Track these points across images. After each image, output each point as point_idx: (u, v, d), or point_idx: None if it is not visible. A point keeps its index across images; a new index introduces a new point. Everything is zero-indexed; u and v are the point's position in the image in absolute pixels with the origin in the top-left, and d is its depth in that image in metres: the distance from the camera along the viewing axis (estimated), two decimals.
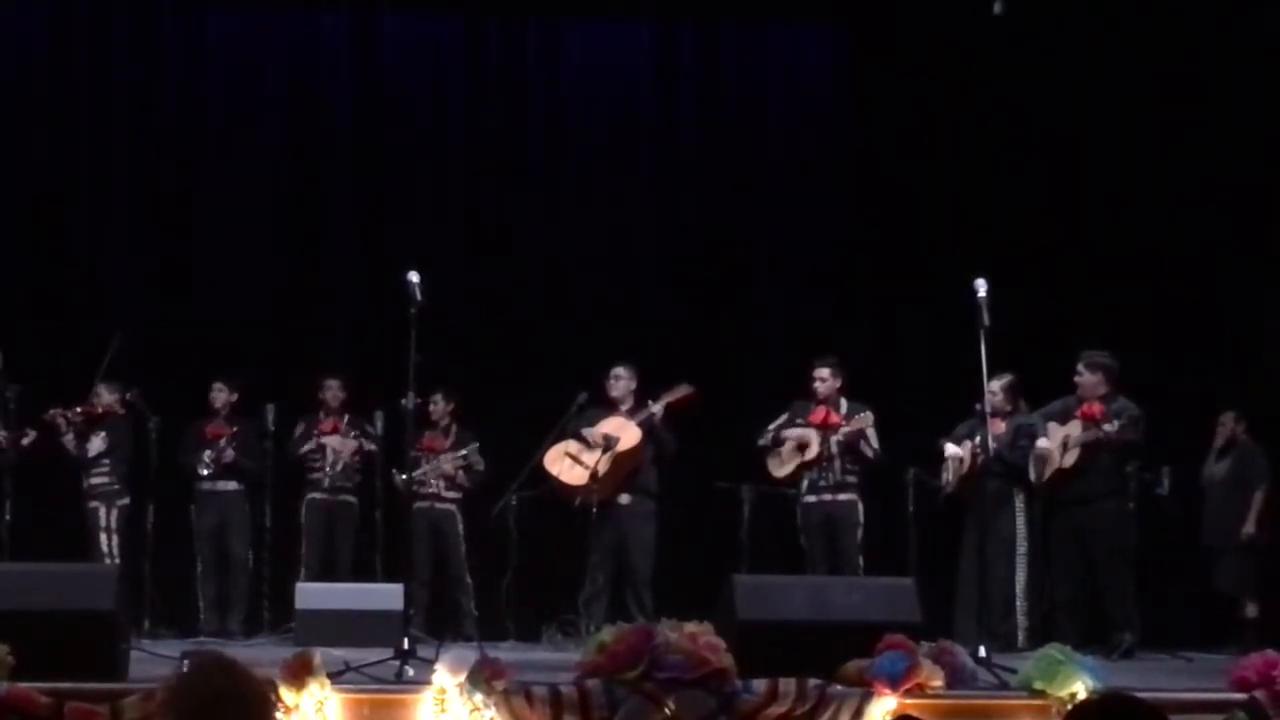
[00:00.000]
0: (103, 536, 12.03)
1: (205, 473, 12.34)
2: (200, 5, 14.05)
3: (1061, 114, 13.53)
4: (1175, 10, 13.22)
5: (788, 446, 11.70)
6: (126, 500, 12.12)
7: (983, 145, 13.52)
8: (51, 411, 12.01)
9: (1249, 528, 12.19)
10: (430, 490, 12.32)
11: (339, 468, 12.39)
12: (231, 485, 12.43)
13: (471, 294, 13.25)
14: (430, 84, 14.24)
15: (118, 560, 11.70)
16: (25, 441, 11.85)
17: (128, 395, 12.13)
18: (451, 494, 12.37)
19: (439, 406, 12.38)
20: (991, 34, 13.52)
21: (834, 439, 11.55)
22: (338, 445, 12.42)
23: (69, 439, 12.09)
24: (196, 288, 13.47)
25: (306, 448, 12.44)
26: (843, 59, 14.40)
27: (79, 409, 12.08)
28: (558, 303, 13.74)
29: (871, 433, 11.55)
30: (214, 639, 11.52)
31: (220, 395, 12.49)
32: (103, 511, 12.09)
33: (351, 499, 12.44)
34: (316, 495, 12.46)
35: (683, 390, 11.65)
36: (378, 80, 14.14)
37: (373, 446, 12.25)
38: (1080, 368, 11.06)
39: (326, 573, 12.12)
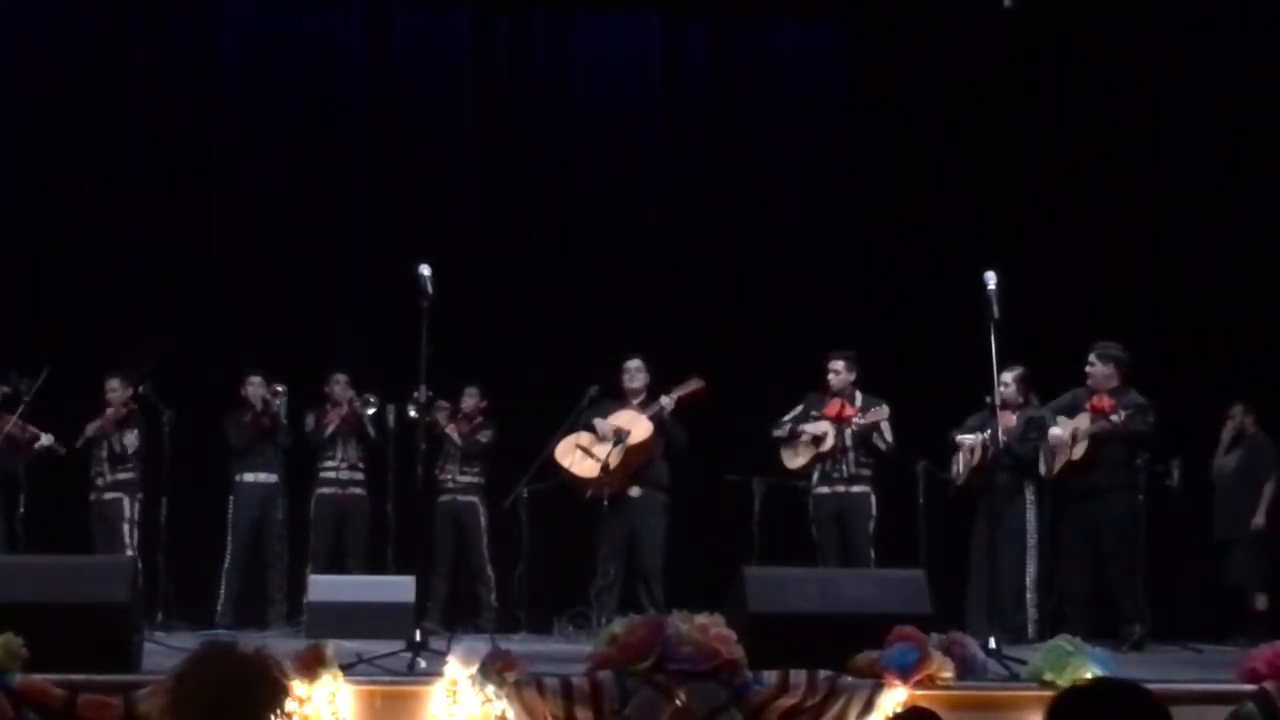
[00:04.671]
0: (126, 528, 12.06)
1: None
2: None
3: (1070, 106, 13.53)
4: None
5: (803, 440, 11.72)
6: (141, 493, 12.16)
7: (992, 138, 13.53)
8: (96, 427, 12.06)
9: (1259, 520, 12.20)
10: (450, 483, 12.46)
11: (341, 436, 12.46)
12: (273, 478, 12.46)
13: (482, 287, 13.27)
14: (441, 77, 14.25)
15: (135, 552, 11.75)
16: (39, 445, 11.87)
17: (139, 388, 12.16)
18: (468, 479, 12.50)
19: (472, 400, 12.51)
20: (1000, 26, 13.52)
21: (848, 431, 11.58)
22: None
23: (116, 439, 12.14)
24: (209, 281, 13.49)
25: (329, 432, 12.48)
26: (852, 53, 14.42)
27: (110, 412, 12.12)
28: (568, 296, 13.75)
29: (886, 425, 11.58)
30: (230, 632, 11.54)
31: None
32: (126, 503, 12.12)
33: (362, 492, 12.47)
34: (326, 490, 12.50)
35: (693, 384, 11.68)
36: (389, 73, 14.16)
37: (371, 410, 12.25)
38: (1093, 358, 11.06)
39: (335, 567, 12.16)
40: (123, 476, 12.20)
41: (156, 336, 12.21)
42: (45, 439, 11.92)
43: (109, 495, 12.17)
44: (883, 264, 13.60)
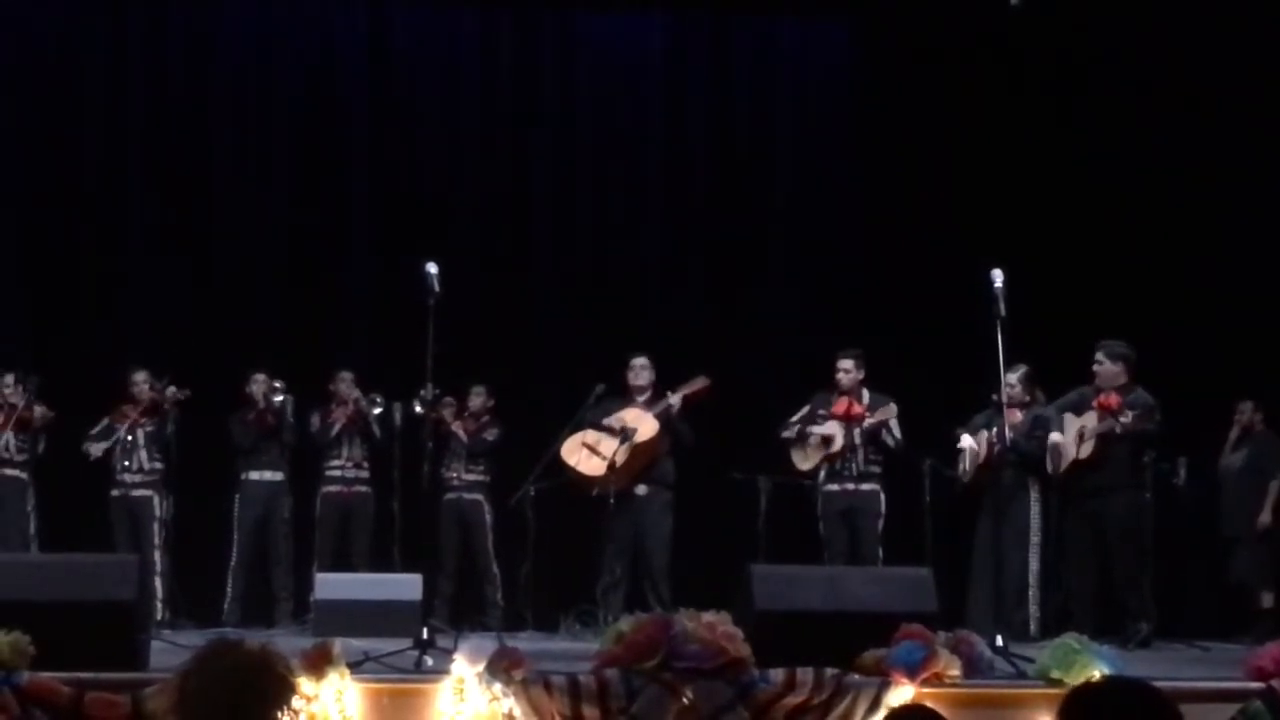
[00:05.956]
0: (155, 527, 12.05)
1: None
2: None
3: (1076, 104, 13.54)
4: None
5: (812, 441, 11.72)
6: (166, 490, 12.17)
7: (997, 136, 13.51)
8: (127, 421, 12.08)
9: (1265, 517, 12.18)
10: (456, 481, 12.47)
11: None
12: (279, 476, 12.46)
13: (486, 286, 13.27)
14: (444, 76, 14.26)
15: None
16: (39, 417, 11.89)
17: (150, 386, 12.15)
18: (473, 477, 12.52)
19: (479, 399, 12.54)
20: (1006, 24, 13.52)
21: (857, 430, 11.58)
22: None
23: (152, 428, 12.17)
24: (213, 280, 13.50)
25: (335, 431, 12.47)
26: (855, 51, 14.43)
27: (144, 406, 12.13)
28: (572, 295, 13.76)
29: (894, 423, 11.57)
30: (237, 630, 11.54)
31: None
32: (156, 501, 12.11)
33: (367, 490, 12.47)
34: (332, 488, 12.51)
35: (699, 382, 11.68)
36: (392, 72, 14.17)
37: (378, 410, 12.25)
38: (1100, 356, 11.01)
39: (341, 565, 12.16)
40: (158, 467, 12.16)
41: (171, 346, 12.20)
42: (39, 409, 11.96)
43: (138, 492, 12.14)
44: (887, 262, 13.59)
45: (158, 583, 11.59)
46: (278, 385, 12.29)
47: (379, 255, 13.57)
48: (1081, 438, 10.93)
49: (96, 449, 12.16)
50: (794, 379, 12.48)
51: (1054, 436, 11.08)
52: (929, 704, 6.36)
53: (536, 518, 11.81)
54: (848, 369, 11.74)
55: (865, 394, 11.75)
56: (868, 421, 11.56)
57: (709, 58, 14.46)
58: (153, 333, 12.97)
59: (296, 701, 3.86)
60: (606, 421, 11.61)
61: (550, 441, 11.62)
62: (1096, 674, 7.15)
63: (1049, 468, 11.18)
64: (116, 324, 13.29)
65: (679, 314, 13.63)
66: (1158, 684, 3.93)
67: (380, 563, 12.03)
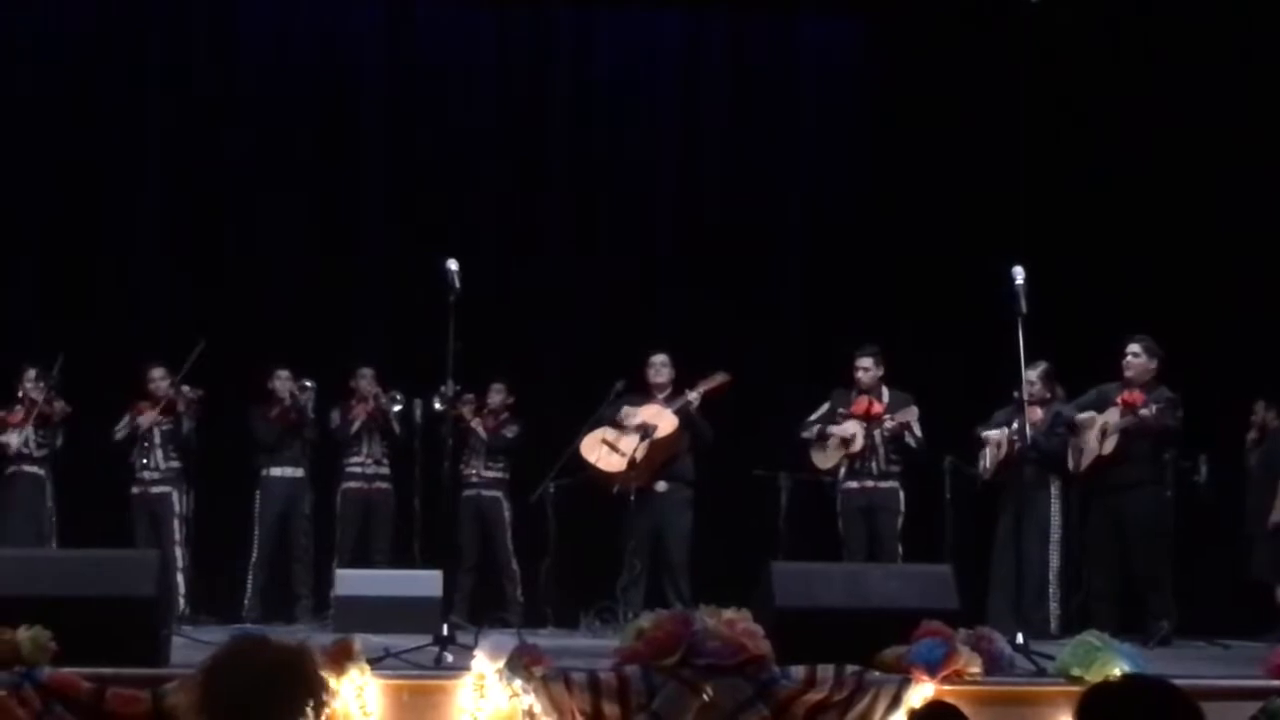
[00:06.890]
0: (176, 524, 12.06)
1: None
2: None
3: (1096, 101, 13.50)
4: None
5: (832, 442, 11.71)
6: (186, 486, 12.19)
7: (1018, 131, 13.49)
8: (143, 419, 12.09)
9: (1276, 515, 12.14)
10: (475, 478, 12.49)
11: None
12: (299, 473, 12.47)
13: (504, 283, 13.28)
14: (463, 74, 14.25)
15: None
16: (57, 411, 11.92)
17: (170, 384, 12.16)
18: (492, 474, 12.55)
19: (499, 397, 12.56)
20: (1024, 20, 13.49)
21: (877, 432, 11.56)
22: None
23: (171, 424, 12.18)
24: (234, 275, 13.52)
25: (355, 428, 12.50)
26: (871, 48, 14.41)
27: (161, 405, 12.15)
28: (590, 292, 13.76)
29: (915, 424, 11.55)
30: (257, 626, 11.55)
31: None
32: (175, 497, 12.12)
33: (387, 487, 12.49)
34: (352, 485, 12.53)
35: (719, 378, 11.67)
36: (411, 70, 14.17)
37: (397, 407, 12.27)
38: (1137, 349, 10.94)
39: (361, 561, 12.17)
40: (174, 465, 12.19)
41: (189, 342, 12.21)
42: (59, 404, 12.01)
43: (156, 489, 12.16)
44: (907, 259, 13.56)
45: (179, 578, 11.63)
46: (307, 384, 12.31)
47: (399, 252, 13.56)
48: (1104, 434, 10.92)
49: (121, 435, 12.20)
50: (814, 376, 12.46)
51: (1082, 415, 11.03)
52: (948, 701, 6.38)
53: (556, 515, 11.83)
54: (866, 367, 11.73)
55: (885, 392, 11.73)
56: (889, 424, 11.54)
57: (725, 55, 14.45)
58: (172, 329, 12.97)
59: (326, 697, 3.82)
60: (624, 419, 11.60)
61: (570, 438, 11.62)
62: (1117, 671, 7.14)
63: (1070, 464, 11.18)
64: (135, 320, 13.31)
65: (698, 311, 13.62)
66: (1178, 682, 3.92)
67: (400, 559, 12.05)
